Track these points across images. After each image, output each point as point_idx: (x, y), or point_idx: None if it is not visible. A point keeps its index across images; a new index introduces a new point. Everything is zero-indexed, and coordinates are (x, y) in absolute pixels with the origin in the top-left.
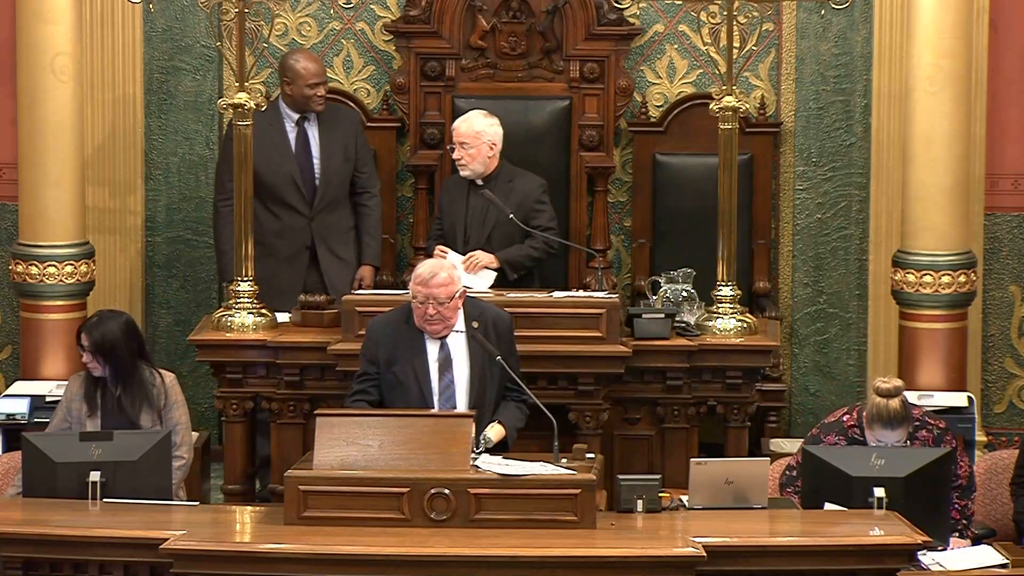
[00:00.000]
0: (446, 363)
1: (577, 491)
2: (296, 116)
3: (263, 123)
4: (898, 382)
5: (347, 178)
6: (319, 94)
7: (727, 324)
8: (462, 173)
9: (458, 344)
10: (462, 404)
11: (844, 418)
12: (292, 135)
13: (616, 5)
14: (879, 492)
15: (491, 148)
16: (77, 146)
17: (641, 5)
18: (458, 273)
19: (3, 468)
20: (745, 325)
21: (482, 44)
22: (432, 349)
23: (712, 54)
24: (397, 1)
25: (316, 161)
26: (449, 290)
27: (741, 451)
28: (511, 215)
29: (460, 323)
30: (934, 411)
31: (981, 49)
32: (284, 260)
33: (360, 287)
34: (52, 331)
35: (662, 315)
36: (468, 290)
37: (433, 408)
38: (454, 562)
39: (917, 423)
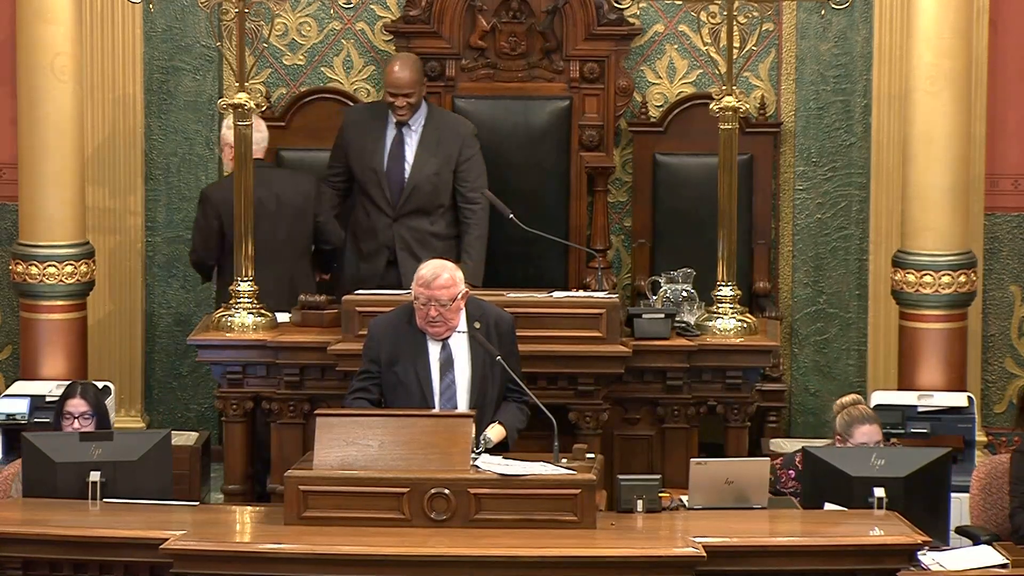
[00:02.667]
0: (447, 364)
1: (577, 491)
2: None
3: (369, 118)
4: (853, 396)
5: (442, 187)
6: (399, 104)
7: (727, 324)
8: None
9: (460, 345)
10: (463, 405)
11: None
12: (390, 136)
13: (616, 5)
14: (879, 492)
15: None
16: (77, 146)
17: (641, 5)
18: (460, 274)
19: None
20: (745, 325)
21: (482, 44)
22: (434, 349)
23: (712, 54)
24: (397, 1)
25: (407, 166)
26: (451, 292)
27: (741, 451)
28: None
29: (462, 324)
30: (934, 411)
31: (981, 49)
32: (366, 256)
33: None
34: (52, 331)
35: (662, 315)
36: (470, 291)
37: (434, 408)
38: (454, 562)
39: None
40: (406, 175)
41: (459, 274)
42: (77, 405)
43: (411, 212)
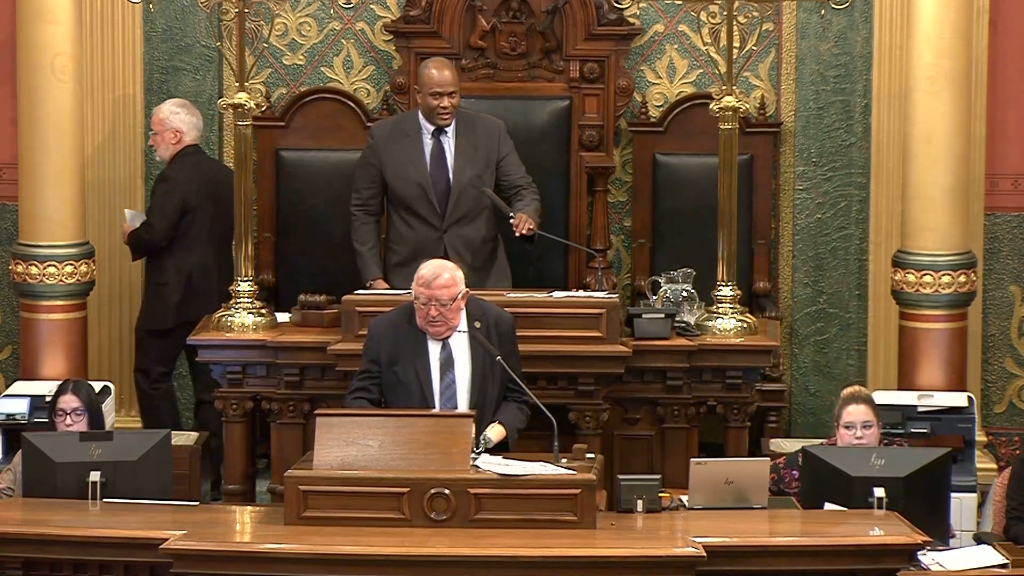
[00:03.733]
0: (448, 363)
1: (577, 491)
2: (432, 128)
3: (400, 132)
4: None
5: (487, 189)
6: (443, 106)
7: (727, 324)
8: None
9: (460, 344)
10: (463, 404)
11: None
12: (428, 147)
13: (616, 5)
14: (879, 492)
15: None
16: (77, 146)
17: (641, 5)
18: (460, 274)
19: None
20: (745, 325)
21: (482, 44)
22: (434, 349)
23: (712, 54)
24: (397, 1)
25: (451, 174)
26: (451, 292)
27: (741, 451)
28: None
29: (463, 323)
30: (934, 411)
31: (981, 49)
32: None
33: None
34: (52, 331)
35: (662, 315)
36: (470, 291)
37: (434, 408)
38: (454, 562)
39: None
40: (450, 183)
41: (459, 274)
42: (68, 401)
43: (459, 219)
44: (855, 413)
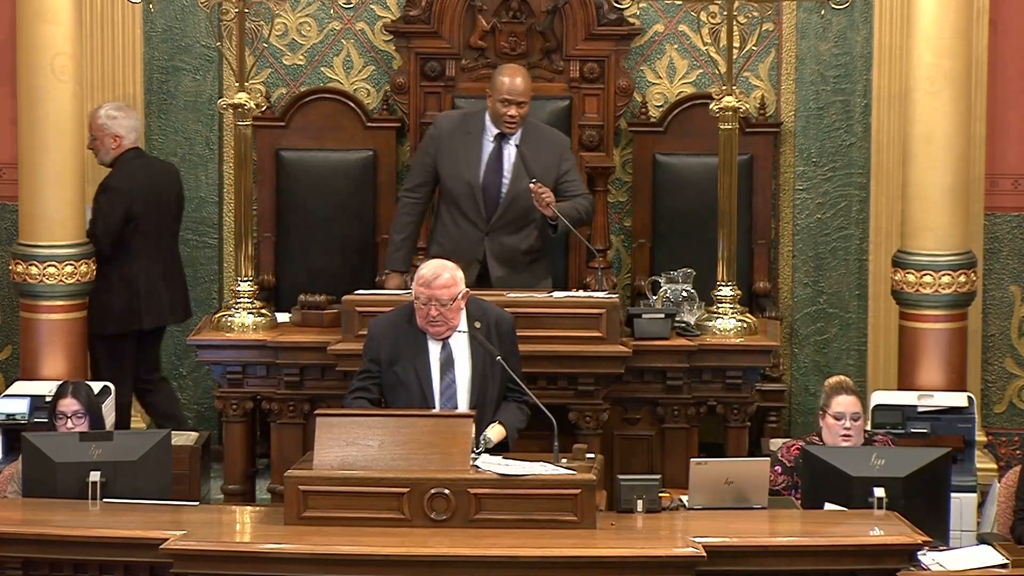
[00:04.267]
0: (448, 363)
1: (577, 491)
2: (496, 131)
3: (463, 129)
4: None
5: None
6: (511, 114)
7: (727, 324)
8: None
9: (460, 344)
10: (463, 404)
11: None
12: (488, 149)
13: (616, 5)
14: (879, 492)
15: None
16: (77, 146)
17: (641, 5)
18: (460, 274)
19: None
20: (745, 325)
21: (482, 44)
22: (434, 349)
23: (712, 54)
24: (397, 1)
25: (505, 180)
26: (452, 291)
27: (741, 451)
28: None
29: (463, 323)
30: (934, 411)
31: (981, 49)
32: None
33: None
34: (52, 331)
35: (662, 315)
36: (471, 291)
37: (434, 408)
38: (454, 562)
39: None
40: (503, 189)
41: (459, 274)
42: (69, 404)
43: (504, 226)
44: (844, 404)
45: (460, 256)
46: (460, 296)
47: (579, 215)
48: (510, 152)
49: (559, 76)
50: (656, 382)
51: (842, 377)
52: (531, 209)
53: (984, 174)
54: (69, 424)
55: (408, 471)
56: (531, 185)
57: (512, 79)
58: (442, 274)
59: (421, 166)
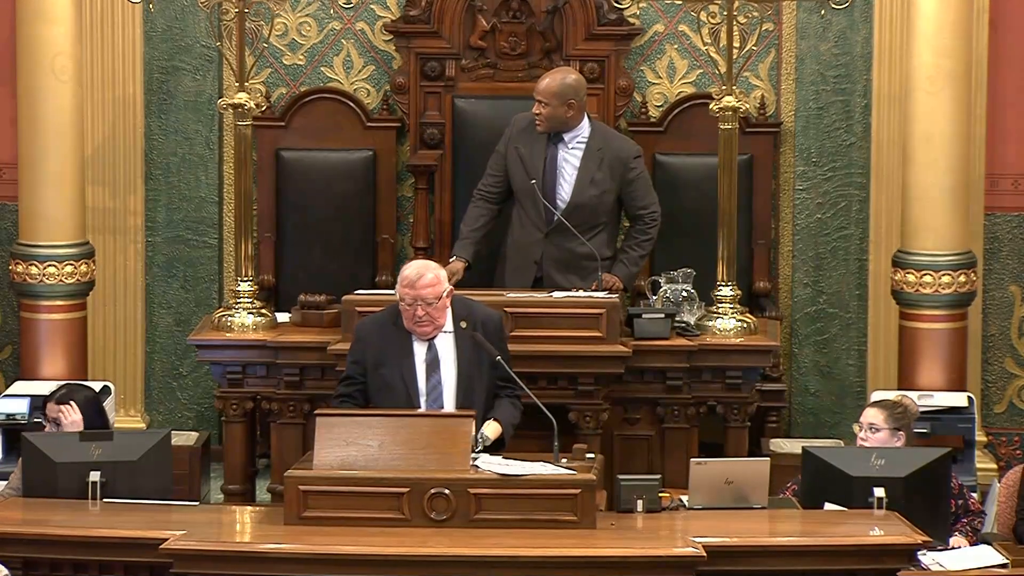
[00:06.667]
0: (434, 364)
1: (577, 491)
2: (558, 132)
3: (532, 129)
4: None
5: (601, 209)
6: (536, 111)
7: (727, 324)
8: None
9: (446, 345)
10: (449, 405)
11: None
12: (550, 151)
13: (616, 5)
14: (879, 492)
15: None
16: (77, 146)
17: (641, 5)
18: (444, 273)
19: None
20: (745, 325)
21: (482, 44)
22: (420, 350)
23: (712, 54)
24: (397, 1)
25: (566, 183)
26: (436, 291)
27: (741, 451)
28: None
29: (449, 323)
30: (934, 411)
31: (981, 49)
32: (514, 268)
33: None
34: (52, 331)
35: (662, 315)
36: (454, 290)
37: (420, 410)
38: (454, 562)
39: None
40: (562, 193)
41: (443, 272)
42: (51, 409)
43: (564, 230)
44: (866, 415)
45: (521, 256)
46: (445, 294)
47: (638, 267)
48: (574, 156)
49: None
50: (656, 382)
51: (891, 395)
52: (596, 216)
53: (984, 174)
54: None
55: (408, 471)
56: (604, 277)
57: (540, 78)
58: (425, 274)
59: (496, 164)
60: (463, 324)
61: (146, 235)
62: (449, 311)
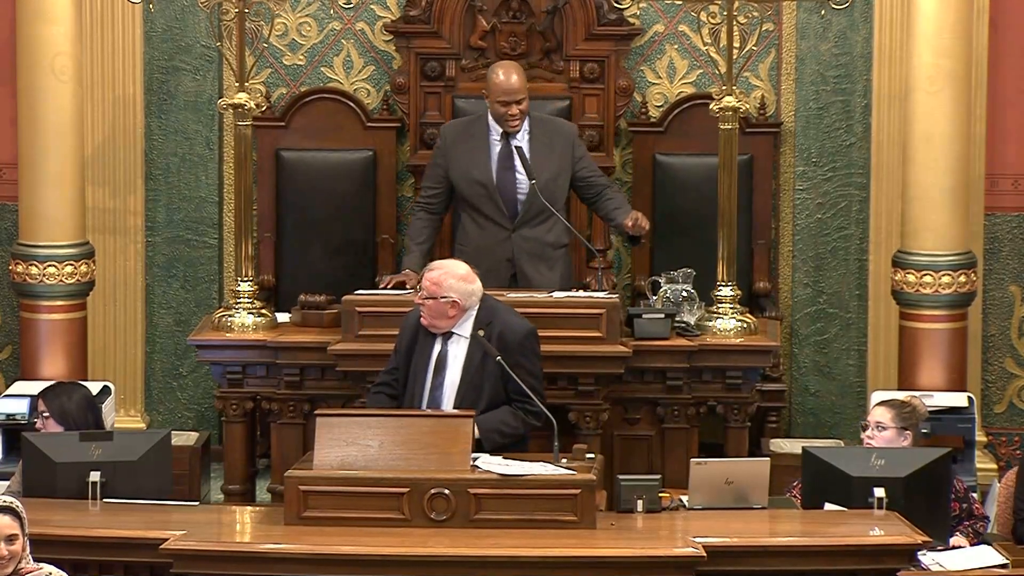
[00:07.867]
0: (441, 364)
1: (577, 491)
2: (500, 130)
3: (467, 134)
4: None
5: (559, 193)
6: (511, 113)
7: (727, 324)
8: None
9: (458, 348)
10: (447, 406)
11: None
12: (496, 148)
13: (616, 5)
14: (879, 492)
15: None
16: (77, 146)
17: (641, 5)
18: (453, 282)
19: None
20: (745, 325)
21: (482, 44)
22: (436, 348)
23: (712, 54)
24: (397, 1)
25: (519, 176)
26: (433, 289)
27: (741, 451)
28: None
29: (467, 329)
30: (934, 411)
31: (981, 49)
32: (485, 271)
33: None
34: (52, 331)
35: (662, 315)
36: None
37: (421, 406)
38: (454, 562)
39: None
40: (518, 186)
41: (452, 282)
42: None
43: (529, 221)
44: (873, 414)
45: (489, 258)
46: (442, 299)
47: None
48: (523, 147)
49: (559, 76)
50: (656, 382)
51: (899, 395)
52: (555, 201)
53: (984, 174)
54: (38, 424)
55: (408, 471)
56: (627, 223)
57: (507, 78)
58: (435, 269)
59: (434, 177)
60: (480, 332)
61: (146, 235)
62: (472, 318)
